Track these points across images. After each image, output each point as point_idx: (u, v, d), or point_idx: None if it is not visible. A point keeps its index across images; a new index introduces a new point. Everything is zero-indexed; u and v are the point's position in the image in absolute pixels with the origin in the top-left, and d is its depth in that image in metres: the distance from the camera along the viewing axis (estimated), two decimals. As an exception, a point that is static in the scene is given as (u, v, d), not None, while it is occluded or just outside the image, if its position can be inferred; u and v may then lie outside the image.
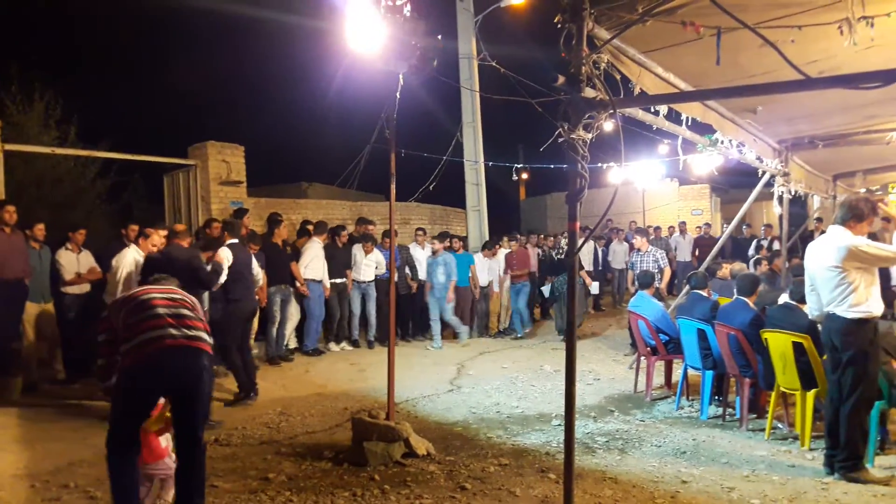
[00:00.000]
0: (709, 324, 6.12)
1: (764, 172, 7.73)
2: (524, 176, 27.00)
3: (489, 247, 11.20)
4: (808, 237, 13.07)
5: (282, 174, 19.58)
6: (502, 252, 11.37)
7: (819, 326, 4.95)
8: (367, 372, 8.39)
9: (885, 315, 4.96)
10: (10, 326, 6.97)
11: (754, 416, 5.95)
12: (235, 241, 7.24)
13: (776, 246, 13.74)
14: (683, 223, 16.37)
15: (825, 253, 4.64)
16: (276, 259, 8.77)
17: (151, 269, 6.17)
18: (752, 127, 6.43)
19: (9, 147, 8.02)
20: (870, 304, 4.51)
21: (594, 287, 11.92)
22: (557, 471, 4.73)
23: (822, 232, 12.86)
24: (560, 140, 3.39)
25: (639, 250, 9.78)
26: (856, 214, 4.58)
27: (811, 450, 5.12)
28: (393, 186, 5.40)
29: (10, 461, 5.01)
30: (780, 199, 8.23)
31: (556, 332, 10.80)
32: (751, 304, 5.96)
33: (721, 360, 6.08)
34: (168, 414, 3.85)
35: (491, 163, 13.76)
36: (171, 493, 3.95)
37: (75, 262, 7.68)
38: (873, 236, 5.07)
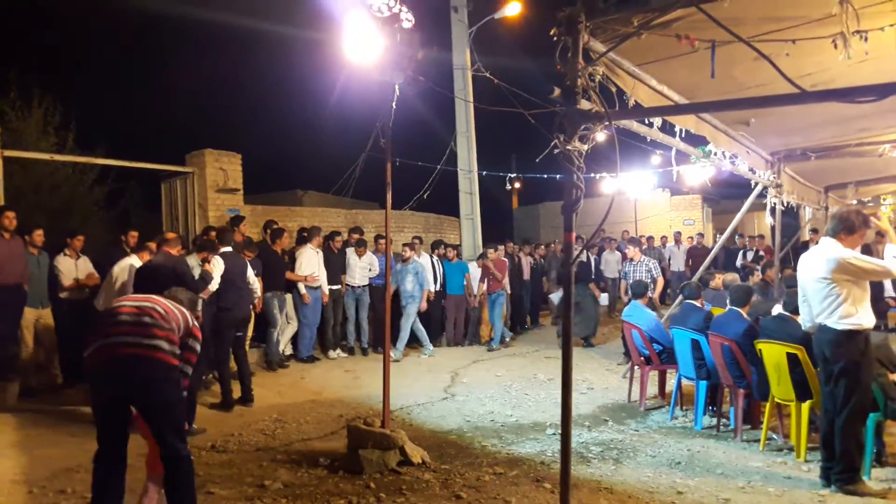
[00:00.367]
0: (703, 334, 6.16)
1: (756, 184, 7.80)
2: (517, 185, 27.07)
3: (485, 257, 11.24)
4: (800, 248, 13.21)
5: (277, 182, 19.63)
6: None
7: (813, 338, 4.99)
8: (362, 379, 8.41)
9: (878, 326, 5.00)
10: (9, 331, 6.98)
11: (748, 426, 5.99)
12: (229, 249, 7.28)
13: (761, 255, 13.86)
14: (678, 233, 16.47)
15: (816, 264, 4.68)
16: (275, 266, 8.83)
17: (139, 278, 6.19)
18: (744, 139, 6.50)
19: (8, 153, 8.02)
20: (860, 315, 4.53)
21: (603, 298, 12.05)
22: (553, 480, 4.75)
23: (817, 243, 12.97)
24: (556, 151, 3.43)
25: (632, 260, 9.83)
26: (847, 227, 4.61)
27: (807, 461, 5.15)
28: (389, 195, 5.44)
29: (8, 466, 5.01)
30: (773, 210, 8.30)
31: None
32: (744, 315, 6.00)
33: (715, 370, 6.11)
34: None
35: (485, 172, 13.83)
36: None
37: (74, 268, 7.70)
38: (867, 248, 5.11)
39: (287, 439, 5.85)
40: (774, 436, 5.74)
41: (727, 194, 17.87)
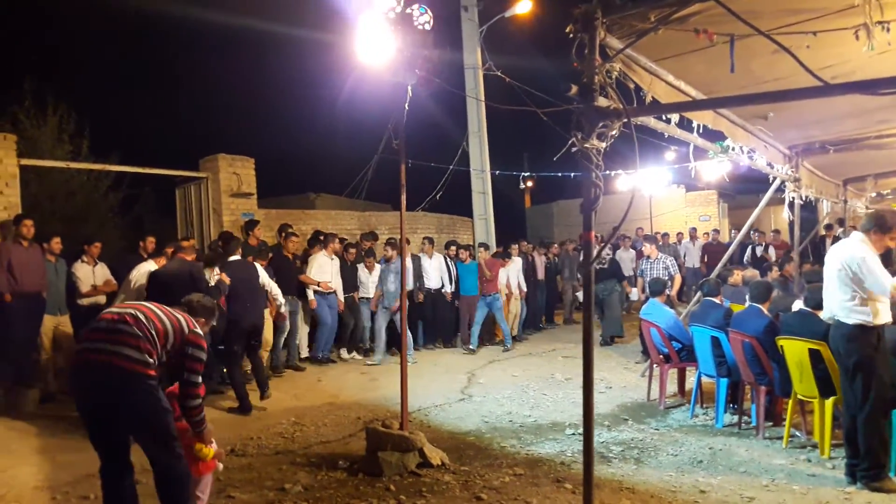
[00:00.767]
0: (722, 331, 6.09)
1: (774, 178, 7.71)
2: (529, 184, 27.03)
3: (497, 257, 11.21)
4: (818, 243, 13.08)
5: (289, 185, 19.69)
6: (511, 261, 11.37)
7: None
8: (379, 381, 8.40)
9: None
10: (29, 338, 7.05)
11: (770, 424, 5.91)
12: (236, 258, 7.31)
13: (772, 252, 13.75)
14: (693, 229, 16.34)
15: (838, 256, 4.64)
16: (286, 271, 8.81)
17: (151, 284, 6.23)
18: (762, 133, 6.42)
19: (25, 162, 8.09)
20: (873, 310, 4.50)
21: (633, 294, 11.91)
22: (573, 481, 4.72)
23: (836, 238, 12.87)
24: (574, 150, 3.40)
25: (648, 257, 9.76)
26: (879, 225, 4.56)
27: (831, 458, 5.08)
28: (403, 197, 5.42)
29: (31, 472, 5.04)
30: (791, 204, 8.21)
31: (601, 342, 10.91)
32: (765, 311, 5.93)
33: (735, 367, 6.05)
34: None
35: (498, 172, 13.79)
36: None
37: (91, 274, 7.76)
38: (888, 254, 5.03)
39: (306, 442, 5.85)
40: (797, 433, 5.67)
41: (743, 189, 17.73)
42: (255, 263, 7.62)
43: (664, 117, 4.59)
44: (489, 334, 11.23)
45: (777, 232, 15.55)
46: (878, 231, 4.56)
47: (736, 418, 6.12)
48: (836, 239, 13.07)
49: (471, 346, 10.43)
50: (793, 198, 7.99)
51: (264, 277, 7.59)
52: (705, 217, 20.04)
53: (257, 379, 7.22)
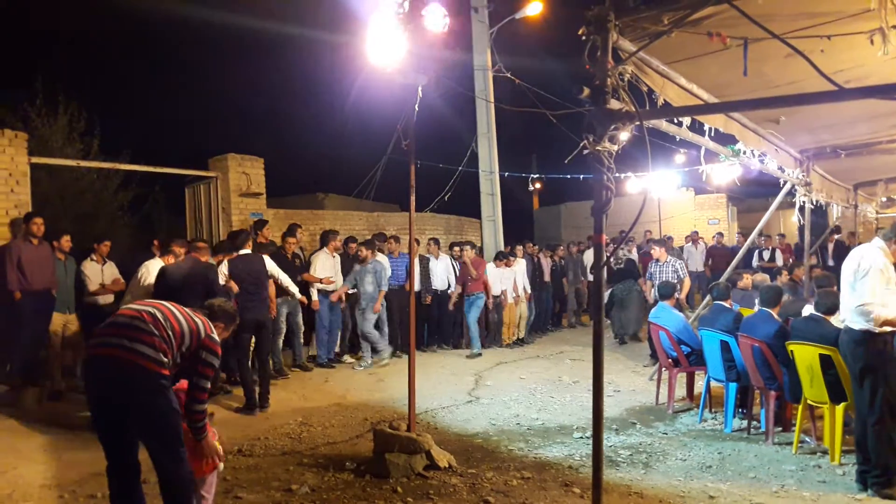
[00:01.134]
0: (732, 335, 6.06)
1: (785, 182, 7.66)
2: (538, 185, 27.03)
3: (501, 257, 11.18)
4: (837, 244, 13.02)
5: (298, 185, 19.71)
6: (517, 262, 11.34)
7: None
8: (386, 382, 8.39)
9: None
10: (38, 336, 7.08)
11: (780, 429, 5.88)
12: (246, 251, 7.30)
13: (778, 256, 13.69)
14: (696, 233, 16.26)
15: (853, 261, 4.62)
16: (286, 271, 8.49)
17: (163, 281, 6.19)
18: (774, 137, 6.38)
19: (35, 160, 8.13)
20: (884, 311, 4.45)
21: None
22: (581, 485, 4.70)
23: (838, 243, 12.75)
24: (585, 152, 3.39)
25: (657, 260, 9.71)
26: None
27: (841, 464, 5.04)
28: (412, 198, 5.41)
29: (38, 471, 5.06)
30: (802, 208, 8.16)
31: (614, 337, 10.96)
32: (775, 316, 5.90)
33: (745, 372, 6.01)
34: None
35: (507, 173, 13.78)
36: None
37: (100, 273, 7.79)
38: None
39: (313, 443, 5.85)
40: (807, 438, 5.63)
41: (752, 193, 17.67)
42: (263, 257, 7.61)
43: (676, 120, 4.56)
44: (496, 336, 11.20)
45: (782, 236, 15.48)
46: None
47: (745, 423, 6.09)
48: (837, 244, 13.05)
49: (475, 350, 10.28)
50: (803, 202, 7.94)
51: (273, 269, 7.58)
52: (714, 220, 19.96)
53: (260, 385, 7.11)
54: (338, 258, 9.52)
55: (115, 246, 8.77)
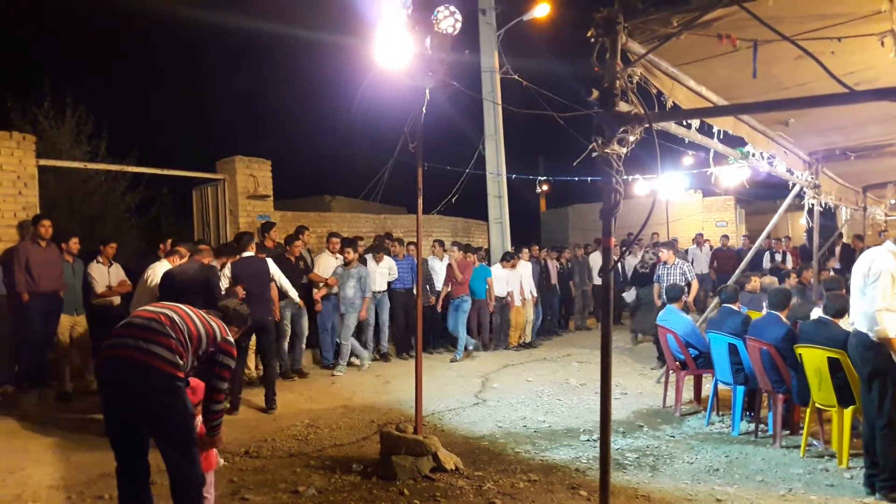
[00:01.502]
0: (740, 338, 6.04)
1: (794, 185, 7.63)
2: (545, 188, 26.98)
3: (508, 258, 11.16)
4: (843, 248, 12.94)
5: (305, 187, 19.75)
6: (522, 264, 11.32)
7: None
8: (392, 384, 8.39)
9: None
10: (46, 338, 7.11)
11: (787, 432, 5.85)
12: (249, 254, 7.32)
13: (789, 259, 13.63)
14: (700, 235, 16.18)
15: (865, 263, 4.59)
16: (288, 273, 8.47)
17: (166, 283, 6.18)
18: (783, 139, 6.36)
19: (43, 162, 8.16)
20: (892, 321, 4.43)
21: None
22: (588, 487, 4.69)
23: (846, 246, 12.69)
24: (594, 155, 3.38)
25: (665, 263, 9.69)
26: None
27: (849, 468, 5.02)
28: (420, 200, 5.41)
29: (46, 472, 5.07)
30: (811, 211, 8.12)
31: (634, 341, 11.10)
32: (783, 319, 5.87)
33: (753, 375, 5.99)
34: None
35: (514, 175, 13.76)
36: None
37: (106, 275, 7.81)
38: None
39: (320, 445, 5.85)
40: (815, 442, 5.61)
41: (760, 195, 17.56)
42: (266, 259, 7.62)
43: (685, 122, 4.55)
44: (501, 338, 11.19)
45: (787, 238, 15.42)
46: None
47: (752, 426, 6.06)
48: (845, 247, 12.99)
49: (457, 356, 10.14)
50: (812, 204, 7.90)
51: (275, 272, 7.57)
52: (722, 223, 19.86)
53: (265, 388, 7.14)
54: (341, 259, 9.49)
55: (122, 248, 8.80)
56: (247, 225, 9.98)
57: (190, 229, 10.94)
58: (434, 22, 4.39)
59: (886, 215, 12.47)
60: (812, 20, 3.53)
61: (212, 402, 3.78)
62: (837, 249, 13.23)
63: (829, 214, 10.18)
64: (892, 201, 11.97)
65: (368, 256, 9.92)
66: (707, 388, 6.81)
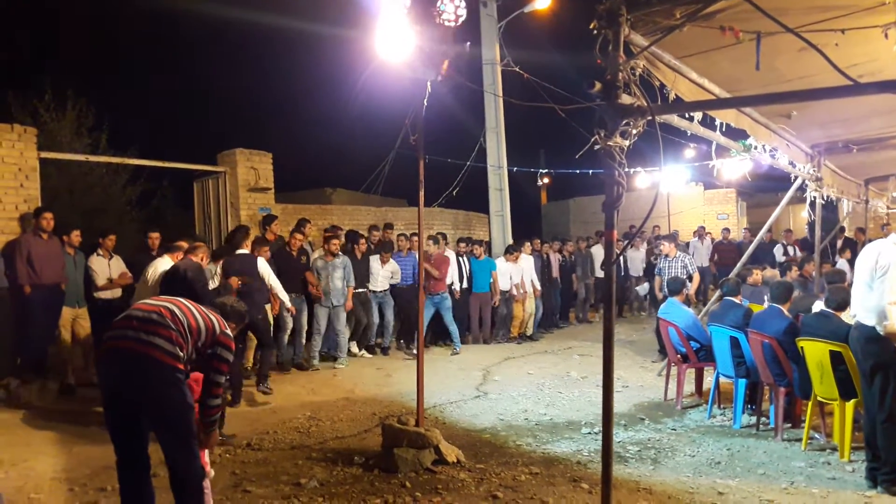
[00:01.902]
0: (742, 331, 6.03)
1: (796, 177, 7.61)
2: (546, 180, 26.95)
3: (511, 251, 11.16)
4: (846, 241, 12.92)
5: (306, 180, 19.74)
6: (524, 257, 11.31)
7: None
8: (394, 377, 8.40)
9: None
10: (48, 330, 7.12)
11: (789, 425, 5.85)
12: (244, 251, 7.32)
13: (798, 251, 13.61)
14: (702, 228, 16.17)
15: (871, 256, 4.57)
16: (287, 268, 8.53)
17: (166, 280, 6.16)
18: (785, 132, 6.34)
19: (44, 155, 8.15)
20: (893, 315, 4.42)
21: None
22: (590, 480, 4.69)
23: (846, 239, 12.68)
24: (596, 147, 3.37)
25: (667, 256, 9.68)
26: None
27: (851, 461, 5.02)
28: (421, 193, 5.39)
29: (49, 464, 5.09)
30: (812, 204, 8.10)
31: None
32: (785, 312, 5.87)
33: (754, 368, 5.99)
34: None
35: (515, 168, 13.74)
36: None
37: (107, 267, 7.81)
38: None
39: (321, 437, 5.86)
40: (817, 435, 5.61)
41: (762, 187, 17.56)
42: (257, 258, 7.58)
43: (687, 115, 4.53)
44: (503, 330, 11.20)
45: (788, 231, 15.41)
46: None
47: (754, 419, 6.06)
48: (846, 241, 12.97)
49: (414, 351, 9.57)
50: (814, 197, 7.89)
51: (265, 272, 7.53)
52: (723, 215, 19.86)
53: (259, 368, 7.22)
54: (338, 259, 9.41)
55: (124, 241, 8.80)
56: (248, 217, 9.98)
57: (191, 222, 10.95)
58: (436, 13, 4.35)
59: (888, 208, 12.43)
60: (815, 12, 3.51)
61: (209, 395, 3.77)
62: (839, 243, 13.22)
63: (830, 207, 10.15)
64: (895, 194, 11.93)
65: (374, 258, 9.86)
66: (708, 381, 6.82)
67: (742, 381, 6.10)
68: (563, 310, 13.36)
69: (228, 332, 3.89)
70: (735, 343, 6.10)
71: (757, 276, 8.12)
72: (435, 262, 10.02)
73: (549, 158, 24.59)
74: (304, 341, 9.08)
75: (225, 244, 8.49)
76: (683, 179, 15.93)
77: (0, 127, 7.63)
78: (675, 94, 4.06)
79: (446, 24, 4.33)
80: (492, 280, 10.83)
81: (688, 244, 15.26)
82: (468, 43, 4.81)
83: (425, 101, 5.03)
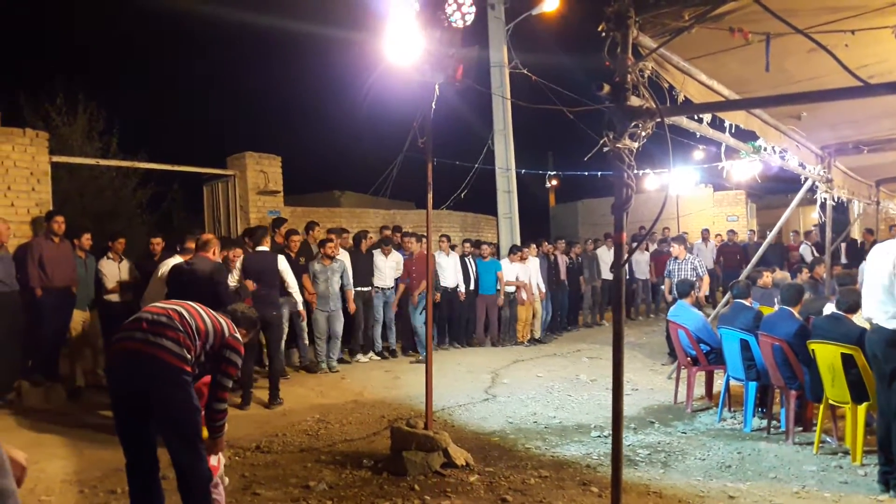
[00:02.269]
0: (752, 334, 6.00)
1: (806, 179, 7.57)
2: (554, 182, 26.93)
3: (515, 251, 11.13)
4: (850, 244, 12.83)
5: (314, 182, 19.79)
6: (530, 259, 11.28)
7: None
8: (402, 379, 8.40)
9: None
10: (59, 333, 7.16)
11: (800, 429, 5.81)
12: (264, 248, 7.32)
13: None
14: (706, 230, 16.10)
15: (887, 260, 4.52)
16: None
17: (175, 278, 6.14)
18: (795, 133, 6.30)
19: (56, 159, 8.21)
20: None
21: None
22: (599, 484, 4.67)
23: (874, 242, 12.61)
24: (605, 150, 3.36)
25: (676, 258, 9.65)
26: None
27: (863, 465, 4.97)
28: (430, 196, 5.40)
29: (59, 466, 5.11)
30: (823, 205, 8.05)
31: None
32: (796, 315, 5.83)
33: (765, 371, 5.95)
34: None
35: (523, 170, 13.73)
36: None
37: (117, 270, 7.86)
38: None
39: (330, 440, 5.86)
40: (828, 438, 5.56)
41: (771, 189, 17.47)
42: (277, 256, 7.64)
43: (696, 117, 4.52)
44: (510, 333, 11.18)
45: (795, 233, 15.32)
46: None
47: (765, 423, 6.02)
48: (851, 244, 12.87)
49: (421, 356, 9.54)
50: (825, 199, 7.83)
51: (284, 270, 7.57)
52: (733, 217, 19.78)
53: (270, 383, 7.11)
54: (346, 254, 9.39)
55: (134, 244, 8.85)
56: (257, 220, 10.02)
57: (201, 225, 11.00)
58: (444, 16, 4.36)
59: (900, 209, 12.33)
60: (825, 13, 3.50)
61: (215, 399, 3.76)
62: (843, 246, 13.11)
63: (841, 209, 10.09)
64: (906, 195, 11.84)
65: (376, 251, 9.87)
66: (719, 384, 6.78)
67: (752, 384, 6.06)
68: (571, 312, 13.33)
69: (238, 335, 3.90)
70: (745, 346, 6.07)
71: (767, 278, 8.07)
72: (417, 263, 9.82)
73: (557, 160, 24.61)
74: (307, 343, 9.09)
75: (243, 236, 8.46)
76: (693, 181, 15.87)
77: (12, 131, 7.69)
78: (684, 96, 4.05)
79: (454, 26, 4.32)
80: (497, 281, 10.81)
81: (693, 246, 15.21)
82: (476, 46, 4.83)
83: (433, 103, 5.04)
